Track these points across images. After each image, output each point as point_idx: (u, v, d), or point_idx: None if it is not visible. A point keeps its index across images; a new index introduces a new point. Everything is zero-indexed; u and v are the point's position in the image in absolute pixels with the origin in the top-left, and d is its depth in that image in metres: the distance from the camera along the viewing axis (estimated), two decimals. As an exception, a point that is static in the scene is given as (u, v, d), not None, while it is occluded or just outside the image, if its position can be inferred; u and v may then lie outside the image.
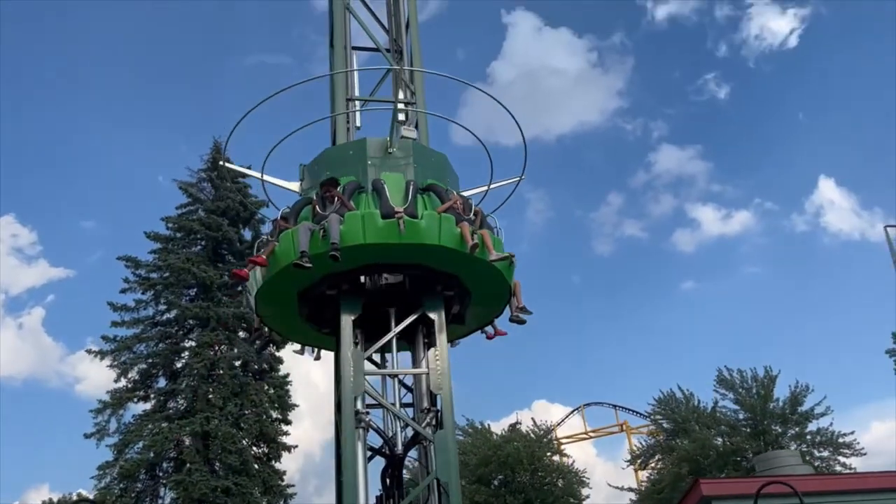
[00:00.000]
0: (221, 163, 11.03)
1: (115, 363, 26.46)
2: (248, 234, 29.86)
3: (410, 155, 9.87)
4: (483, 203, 10.89)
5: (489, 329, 10.73)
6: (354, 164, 9.80)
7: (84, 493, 51.22)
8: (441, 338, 9.29)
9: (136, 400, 26.38)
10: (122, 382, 26.40)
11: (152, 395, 26.57)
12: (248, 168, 15.37)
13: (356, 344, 9.14)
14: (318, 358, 11.31)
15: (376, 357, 10.20)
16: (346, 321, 9.11)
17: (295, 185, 10.58)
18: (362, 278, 9.34)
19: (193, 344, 27.09)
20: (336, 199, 9.13)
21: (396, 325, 9.45)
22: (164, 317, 27.71)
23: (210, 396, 25.78)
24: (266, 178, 10.85)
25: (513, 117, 10.51)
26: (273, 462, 26.98)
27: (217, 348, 26.77)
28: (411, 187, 9.31)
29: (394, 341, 9.56)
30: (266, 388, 27.27)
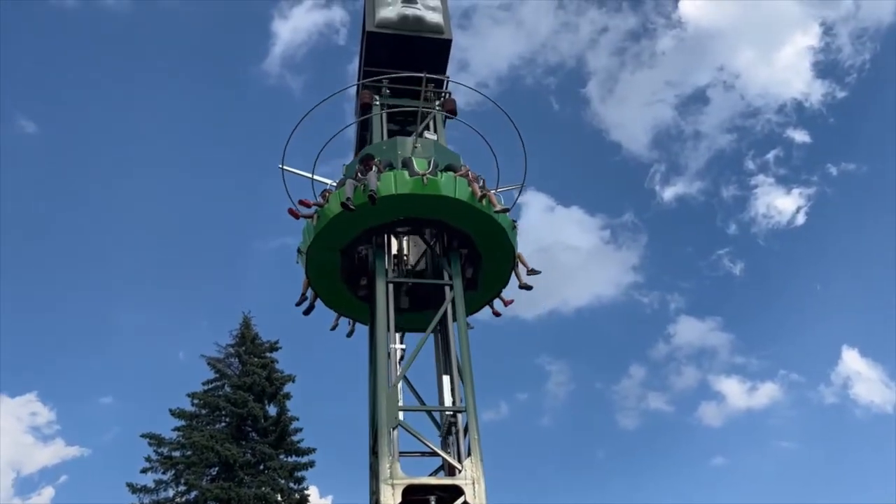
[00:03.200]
0: (280, 166, 12.49)
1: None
2: (272, 411, 29.53)
3: (432, 150, 12.04)
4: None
5: (498, 304, 12.52)
6: (388, 153, 11.80)
7: None
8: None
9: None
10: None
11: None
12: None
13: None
14: (350, 334, 12.75)
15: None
16: (381, 281, 10.91)
17: None
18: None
19: (213, 528, 26.00)
20: (374, 167, 11.08)
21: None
22: (184, 498, 26.83)
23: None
24: (317, 177, 12.70)
25: (508, 117, 12.75)
26: None
27: (237, 532, 25.63)
28: (432, 162, 11.33)
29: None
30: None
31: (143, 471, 27.12)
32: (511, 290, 12.40)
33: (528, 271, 11.77)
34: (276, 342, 30.43)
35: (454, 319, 10.84)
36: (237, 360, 30.35)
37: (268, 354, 30.50)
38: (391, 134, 13.47)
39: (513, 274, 11.99)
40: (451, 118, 13.85)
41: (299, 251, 11.82)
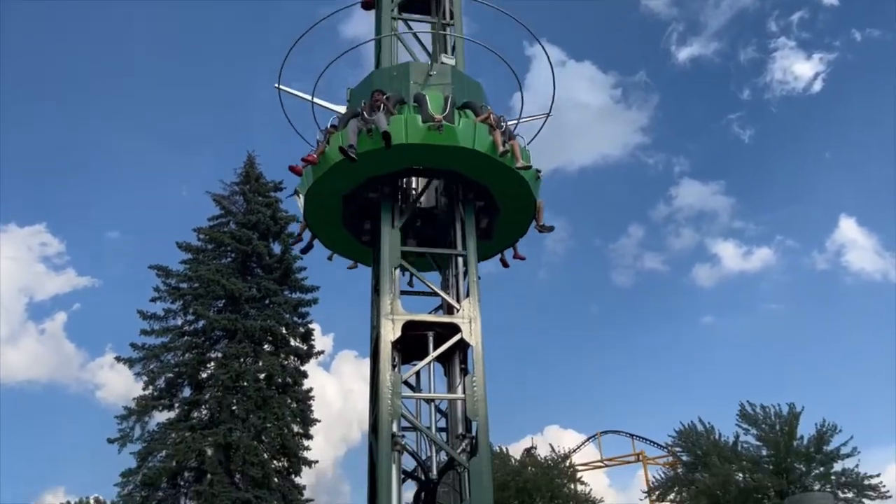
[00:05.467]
0: (276, 85, 11.64)
1: (143, 371, 26.80)
2: (277, 248, 30.21)
3: (449, 78, 10.68)
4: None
5: (508, 255, 11.46)
6: (398, 84, 10.56)
7: (100, 497, 51.51)
8: (479, 367, 9.36)
9: (160, 408, 26.66)
10: (148, 390, 26.71)
11: (177, 405, 26.84)
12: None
13: (394, 367, 9.28)
14: (352, 268, 11.80)
15: (412, 380, 10.32)
16: (386, 228, 9.91)
17: (343, 109, 11.28)
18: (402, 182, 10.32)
19: (220, 355, 27.38)
20: (382, 105, 9.85)
21: (434, 349, 9.58)
22: (192, 327, 28.06)
23: (234, 408, 26.00)
24: (317, 100, 11.61)
25: (542, 48, 11.56)
26: (293, 476, 27.09)
27: (242, 360, 27.02)
28: (449, 101, 10.02)
29: (431, 365, 9.70)
30: (289, 401, 27.44)
31: (153, 300, 28.20)
32: (524, 243, 11.43)
33: (538, 227, 10.72)
34: (281, 182, 30.58)
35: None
36: (242, 198, 30.65)
37: (272, 194, 30.75)
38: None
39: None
40: None
41: (297, 192, 10.79)
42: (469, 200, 10.29)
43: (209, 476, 24.86)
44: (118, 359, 27.57)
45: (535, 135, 11.99)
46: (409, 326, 9.53)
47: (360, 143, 9.54)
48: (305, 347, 29.07)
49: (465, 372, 9.75)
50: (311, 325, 29.60)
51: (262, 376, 26.87)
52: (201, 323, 27.85)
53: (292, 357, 28.64)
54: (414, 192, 10.81)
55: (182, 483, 25.65)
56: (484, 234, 10.69)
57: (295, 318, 29.10)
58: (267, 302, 28.94)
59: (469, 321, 9.60)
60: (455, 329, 9.61)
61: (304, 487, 27.36)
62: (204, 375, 27.24)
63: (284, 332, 28.54)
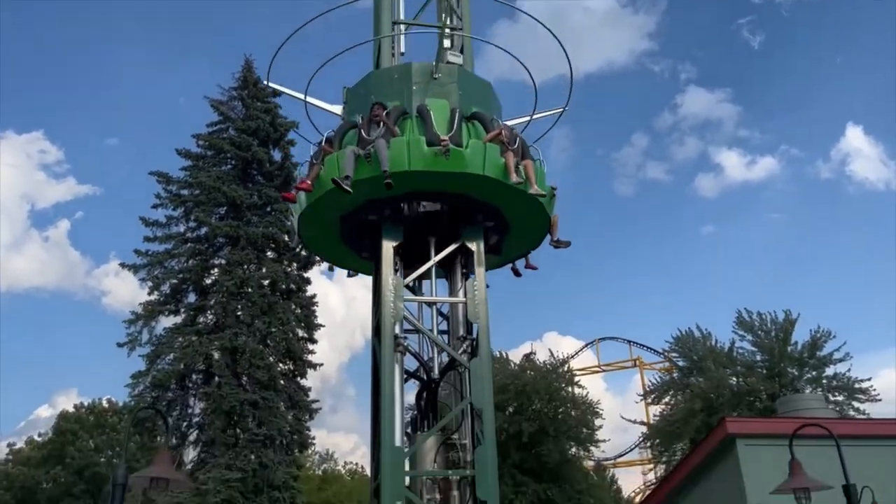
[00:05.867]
0: (265, 82, 10.87)
1: (148, 277, 27.10)
2: (277, 155, 29.97)
3: (455, 80, 9.79)
4: (524, 133, 10.93)
5: (519, 264, 10.82)
6: (399, 88, 9.73)
7: (112, 398, 53.09)
8: (479, 269, 9.44)
9: (166, 313, 27.12)
10: (154, 296, 27.09)
11: (182, 310, 27.27)
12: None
13: (396, 271, 9.33)
14: (352, 275, 11.50)
15: (413, 285, 10.38)
16: (388, 247, 9.25)
17: (338, 109, 10.61)
18: (403, 206, 9.35)
19: (223, 262, 27.62)
20: (382, 123, 9.11)
21: (436, 254, 9.60)
22: (195, 234, 28.18)
23: (239, 313, 26.43)
24: (309, 99, 10.87)
25: (562, 46, 10.56)
26: (299, 378, 27.83)
27: (246, 267, 27.27)
28: (456, 115, 9.24)
29: (433, 269, 9.74)
30: (293, 307, 27.86)
31: (154, 206, 28.23)
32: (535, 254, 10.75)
33: (553, 241, 9.99)
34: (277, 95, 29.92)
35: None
36: (240, 103, 30.15)
37: (271, 100, 30.22)
38: None
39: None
40: None
41: (291, 212, 10.25)
42: (478, 222, 9.56)
43: (217, 378, 25.55)
44: (123, 265, 27.89)
45: (549, 128, 11.44)
46: (409, 236, 9.49)
47: (358, 171, 8.81)
48: (307, 254, 29.25)
49: (466, 276, 9.79)
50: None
51: (265, 283, 27.20)
52: (204, 230, 27.95)
53: (295, 264, 28.86)
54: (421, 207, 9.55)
55: (190, 385, 26.40)
56: (492, 249, 10.08)
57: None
58: (269, 209, 28.95)
59: (471, 226, 9.57)
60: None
61: (309, 389, 28.17)
62: (208, 282, 27.58)
63: (287, 238, 28.67)
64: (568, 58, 10.70)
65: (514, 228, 9.96)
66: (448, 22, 10.99)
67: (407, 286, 9.94)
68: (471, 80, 10.17)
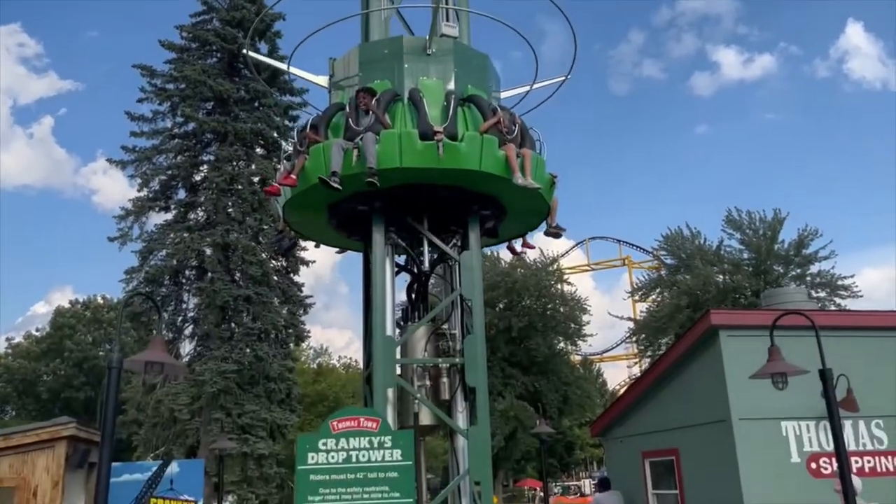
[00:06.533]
0: (244, 51, 10.29)
1: (136, 173, 26.86)
2: (264, 48, 29.04)
3: (450, 56, 9.15)
4: (523, 102, 10.73)
5: (516, 244, 10.58)
6: (389, 63, 9.08)
7: (107, 295, 53.71)
8: (476, 249, 9.18)
9: (157, 210, 27.05)
10: (143, 192, 26.93)
11: (172, 206, 27.18)
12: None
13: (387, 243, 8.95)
14: (339, 252, 11.21)
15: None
16: (378, 238, 8.75)
17: (323, 80, 10.00)
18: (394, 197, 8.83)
19: (212, 158, 27.32)
20: (371, 111, 8.47)
21: (431, 231, 9.11)
22: (182, 129, 27.72)
23: (230, 210, 26.39)
24: (293, 70, 10.40)
25: (564, 16, 10.01)
26: (291, 275, 28.12)
27: (235, 164, 27.01)
28: (452, 100, 8.64)
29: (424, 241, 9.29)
30: (284, 204, 27.76)
31: (140, 101, 27.65)
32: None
33: (548, 227, 9.47)
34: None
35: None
36: (224, -8, 28.98)
37: (257, -14, 29.05)
38: None
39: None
40: None
41: (275, 201, 9.65)
42: (475, 212, 9.08)
43: (209, 274, 25.78)
44: (110, 161, 27.53)
45: (549, 96, 10.80)
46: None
47: (345, 167, 8.16)
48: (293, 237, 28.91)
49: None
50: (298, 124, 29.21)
51: (255, 179, 27.01)
52: (191, 126, 27.48)
53: (285, 161, 28.53)
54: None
55: (184, 281, 26.64)
56: (489, 233, 9.68)
57: (286, 122, 28.69)
58: (256, 104, 28.39)
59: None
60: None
61: (302, 285, 28.52)
62: (198, 178, 27.36)
63: (276, 136, 28.26)
64: (570, 23, 10.12)
65: (512, 214, 9.52)
66: None
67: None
68: (466, 54, 9.51)
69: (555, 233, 9.38)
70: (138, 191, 26.82)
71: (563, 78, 10.83)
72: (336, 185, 8.04)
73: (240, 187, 26.57)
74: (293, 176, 8.70)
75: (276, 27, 28.81)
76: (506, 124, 8.72)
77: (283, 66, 10.39)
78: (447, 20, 9.52)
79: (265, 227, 26.40)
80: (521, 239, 10.51)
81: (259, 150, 28.12)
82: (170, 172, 27.10)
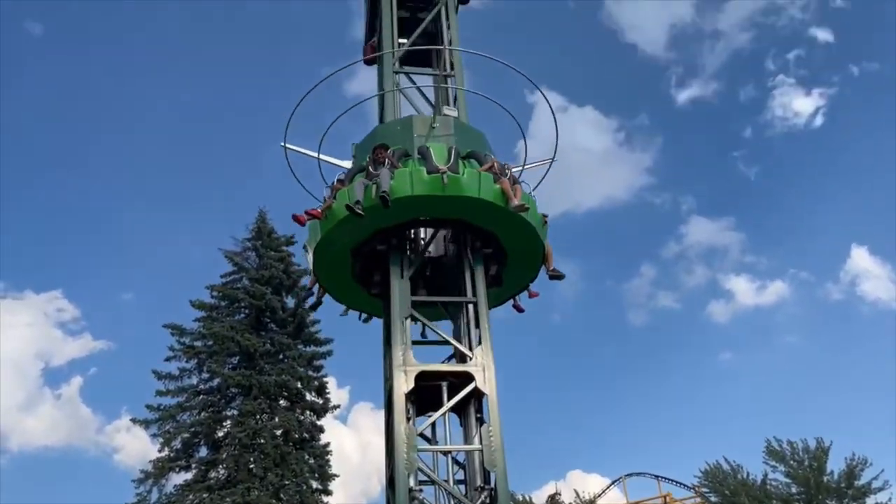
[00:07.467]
0: (282, 144, 11.69)
1: (159, 432, 26.65)
2: (290, 303, 30.23)
3: (452, 129, 10.81)
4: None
5: (521, 300, 11.37)
6: (402, 137, 10.67)
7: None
8: (494, 415, 9.22)
9: (177, 470, 26.41)
10: (165, 452, 26.50)
11: (193, 465, 26.58)
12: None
13: (408, 419, 9.15)
14: (366, 321, 11.76)
15: (428, 432, 10.15)
16: (396, 279, 9.90)
17: (348, 163, 11.39)
18: (409, 233, 10.38)
19: (235, 413, 27.20)
20: (386, 160, 9.97)
21: (448, 399, 9.44)
22: (207, 385, 27.96)
23: (251, 466, 25.73)
24: (322, 156, 11.68)
25: (542, 94, 11.47)
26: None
27: (259, 417, 26.82)
28: (453, 152, 10.13)
29: (446, 417, 9.53)
30: (307, 457, 27.12)
31: (168, 359, 28.19)
32: (537, 282, 11.29)
33: (549, 273, 10.67)
34: (292, 236, 30.81)
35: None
36: (254, 253, 30.82)
37: (284, 248, 30.93)
38: (402, 23, 12.60)
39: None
40: (465, 2, 13.12)
41: (306, 248, 10.97)
42: (477, 249, 10.27)
43: (228, 538, 24.47)
44: (134, 420, 27.47)
45: (541, 180, 12.06)
46: (422, 377, 9.40)
47: (367, 199, 9.60)
48: (321, 401, 28.87)
49: (480, 422, 9.55)
50: (325, 379, 29.45)
51: (278, 432, 26.65)
52: (216, 381, 27.75)
53: (308, 412, 28.41)
54: (423, 241, 10.78)
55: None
56: (494, 280, 10.66)
57: (310, 372, 28.97)
58: (281, 356, 28.85)
59: (482, 369, 9.47)
60: (469, 378, 9.48)
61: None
62: (220, 434, 27.03)
63: (300, 386, 28.38)
64: (552, 109, 11.62)
65: (512, 257, 10.59)
66: (446, 70, 12.20)
67: (422, 435, 9.69)
68: (466, 129, 11.15)
69: (556, 276, 10.61)
70: (160, 450, 26.42)
71: (551, 159, 12.10)
72: (360, 212, 9.43)
73: (262, 441, 26.12)
74: (320, 210, 10.15)
75: (302, 282, 30.18)
76: (500, 168, 10.19)
77: (314, 155, 11.67)
78: (448, 104, 11.68)
79: (286, 482, 25.51)
80: (526, 293, 11.31)
81: (283, 402, 28.06)
82: (193, 430, 26.86)
